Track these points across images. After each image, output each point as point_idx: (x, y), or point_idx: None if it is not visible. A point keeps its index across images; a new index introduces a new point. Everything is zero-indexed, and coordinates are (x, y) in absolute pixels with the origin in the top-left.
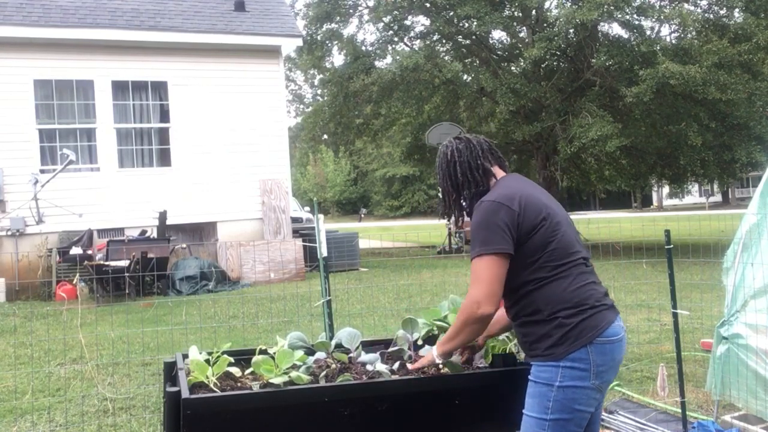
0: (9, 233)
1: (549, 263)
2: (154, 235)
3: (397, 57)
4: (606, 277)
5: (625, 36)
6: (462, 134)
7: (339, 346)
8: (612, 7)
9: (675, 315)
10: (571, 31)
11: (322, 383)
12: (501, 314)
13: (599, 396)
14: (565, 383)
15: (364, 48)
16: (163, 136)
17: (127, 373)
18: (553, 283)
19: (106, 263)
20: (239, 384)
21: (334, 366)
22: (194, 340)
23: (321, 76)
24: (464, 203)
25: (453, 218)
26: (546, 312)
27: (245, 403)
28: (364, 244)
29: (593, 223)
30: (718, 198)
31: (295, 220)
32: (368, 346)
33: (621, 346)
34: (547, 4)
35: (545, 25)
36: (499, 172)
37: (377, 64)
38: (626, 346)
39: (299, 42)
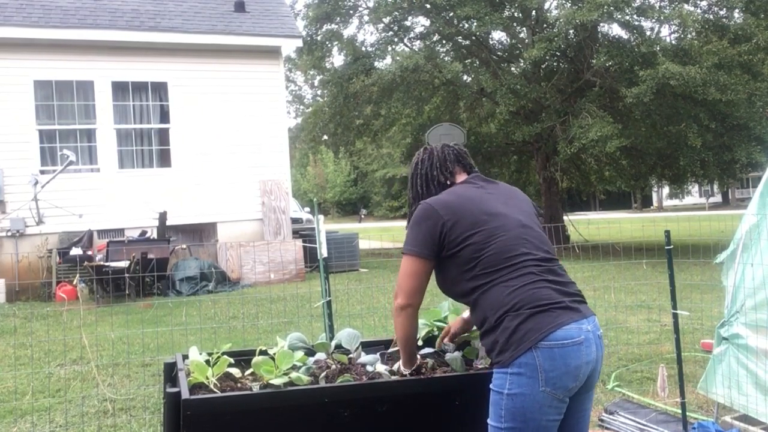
0: (9, 234)
1: (487, 269)
2: (154, 235)
3: (397, 58)
4: (606, 277)
5: (625, 37)
6: (429, 144)
7: (339, 346)
8: (612, 8)
9: (675, 315)
10: (571, 31)
11: (322, 384)
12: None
13: (558, 404)
14: (513, 391)
15: (364, 49)
16: (163, 136)
17: (127, 373)
18: (494, 288)
19: (106, 264)
20: (239, 385)
21: (334, 367)
22: (194, 341)
23: (321, 76)
24: None
25: None
26: (492, 319)
27: (245, 404)
28: (364, 244)
29: (593, 224)
30: (718, 198)
31: (295, 220)
32: (368, 346)
33: (577, 351)
34: (547, 5)
35: (545, 25)
36: (460, 178)
37: (377, 64)
38: (595, 350)
39: (299, 43)
